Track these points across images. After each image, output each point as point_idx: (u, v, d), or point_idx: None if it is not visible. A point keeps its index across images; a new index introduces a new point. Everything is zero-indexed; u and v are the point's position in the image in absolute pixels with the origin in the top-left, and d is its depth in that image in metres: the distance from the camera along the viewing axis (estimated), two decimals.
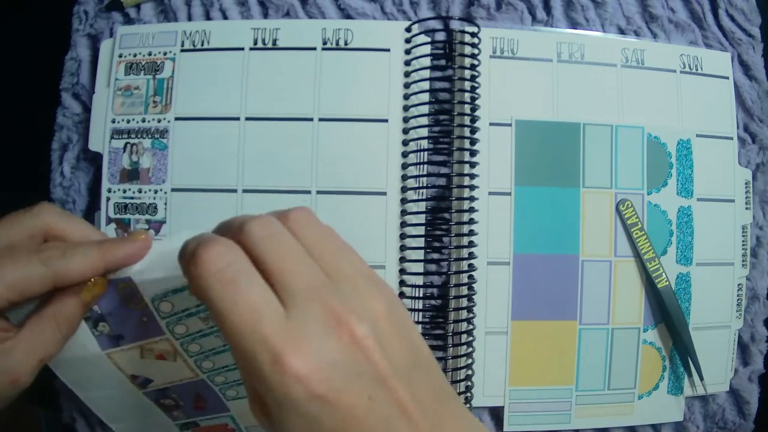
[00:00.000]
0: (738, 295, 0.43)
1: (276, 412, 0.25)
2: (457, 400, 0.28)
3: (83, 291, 0.31)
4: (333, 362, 0.24)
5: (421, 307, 0.40)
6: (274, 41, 0.41)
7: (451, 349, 0.40)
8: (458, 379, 0.39)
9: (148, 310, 0.33)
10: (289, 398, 0.24)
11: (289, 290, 0.25)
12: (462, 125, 0.40)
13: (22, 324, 0.31)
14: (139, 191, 0.40)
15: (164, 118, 0.40)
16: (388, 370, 0.25)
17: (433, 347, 0.40)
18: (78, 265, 0.30)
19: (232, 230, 0.26)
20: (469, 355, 0.39)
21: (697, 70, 0.43)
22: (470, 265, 0.40)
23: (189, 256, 0.25)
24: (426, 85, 0.40)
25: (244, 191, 0.40)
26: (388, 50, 0.41)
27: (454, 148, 0.40)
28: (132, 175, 0.41)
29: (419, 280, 0.40)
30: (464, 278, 0.40)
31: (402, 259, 0.40)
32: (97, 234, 0.32)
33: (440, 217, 0.40)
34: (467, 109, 0.40)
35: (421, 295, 0.40)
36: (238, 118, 0.40)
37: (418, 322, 0.40)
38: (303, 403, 0.24)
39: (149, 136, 0.41)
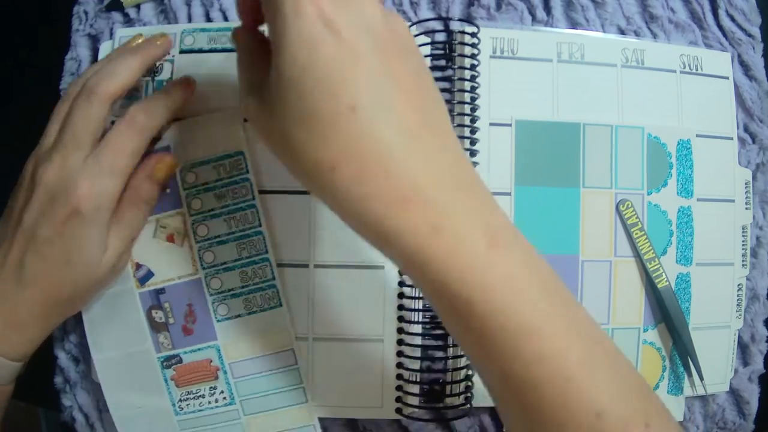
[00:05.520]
0: (738, 295, 0.43)
1: (277, 48, 0.25)
2: (455, 139, 0.28)
3: (156, 172, 0.37)
4: (349, 4, 0.25)
5: (421, 307, 0.40)
6: None
7: (451, 349, 0.40)
8: (458, 379, 0.39)
9: (173, 181, 0.39)
10: (299, 14, 0.24)
11: None
12: (462, 125, 0.40)
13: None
14: None
15: None
16: (397, 48, 0.26)
17: (433, 347, 0.40)
18: (165, 117, 0.37)
19: None
20: None
21: (697, 70, 0.43)
22: None
23: None
24: None
25: None
26: None
27: None
28: None
29: None
30: None
31: None
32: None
33: None
34: (467, 109, 0.40)
35: (421, 295, 0.40)
36: None
37: (418, 322, 0.40)
38: (311, 20, 0.24)
39: None
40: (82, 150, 0.34)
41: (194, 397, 0.40)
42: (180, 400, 0.40)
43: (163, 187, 0.39)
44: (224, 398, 0.40)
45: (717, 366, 0.42)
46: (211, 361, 0.40)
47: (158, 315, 0.39)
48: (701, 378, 0.41)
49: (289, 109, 0.25)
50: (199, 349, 0.40)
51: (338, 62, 0.24)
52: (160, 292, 0.39)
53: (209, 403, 0.40)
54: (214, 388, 0.40)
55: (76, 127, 0.34)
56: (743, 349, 0.44)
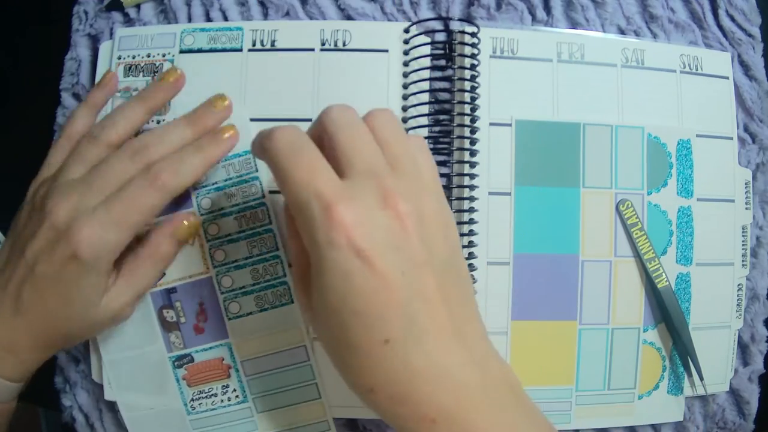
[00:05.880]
0: (738, 295, 0.43)
1: (316, 272, 0.27)
2: (480, 322, 0.30)
3: (178, 231, 0.37)
4: (376, 225, 0.26)
5: None
6: (273, 42, 0.41)
7: None
8: None
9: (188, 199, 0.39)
10: (332, 244, 0.26)
11: (349, 164, 0.27)
12: (462, 125, 0.40)
13: (119, 265, 0.36)
14: None
15: (163, 120, 0.40)
16: (424, 257, 0.27)
17: None
18: (191, 178, 0.35)
19: (320, 115, 0.30)
20: None
21: (697, 70, 0.43)
22: (470, 266, 0.40)
23: (266, 133, 0.29)
24: (425, 85, 0.40)
25: None
26: (386, 51, 0.41)
27: (454, 148, 0.40)
28: None
29: None
30: None
31: None
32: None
33: None
34: (467, 109, 0.40)
35: None
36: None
37: None
38: (343, 252, 0.26)
39: None
40: (103, 195, 0.33)
41: (206, 396, 0.40)
42: (192, 400, 0.40)
43: (182, 245, 0.39)
44: (237, 396, 0.40)
45: (717, 366, 0.42)
46: (222, 360, 0.40)
47: (169, 314, 0.39)
48: (701, 378, 0.41)
49: (331, 334, 0.28)
50: (210, 348, 0.40)
51: (372, 295, 0.26)
52: (171, 291, 0.39)
53: (222, 401, 0.40)
54: (227, 386, 0.40)
55: (109, 175, 0.34)
56: (743, 349, 0.44)
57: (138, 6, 0.43)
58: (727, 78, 0.44)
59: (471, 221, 0.40)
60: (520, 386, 0.30)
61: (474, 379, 0.27)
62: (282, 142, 0.28)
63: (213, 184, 0.40)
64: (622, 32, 0.44)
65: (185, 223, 0.38)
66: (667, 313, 0.41)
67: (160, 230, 0.37)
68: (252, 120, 0.40)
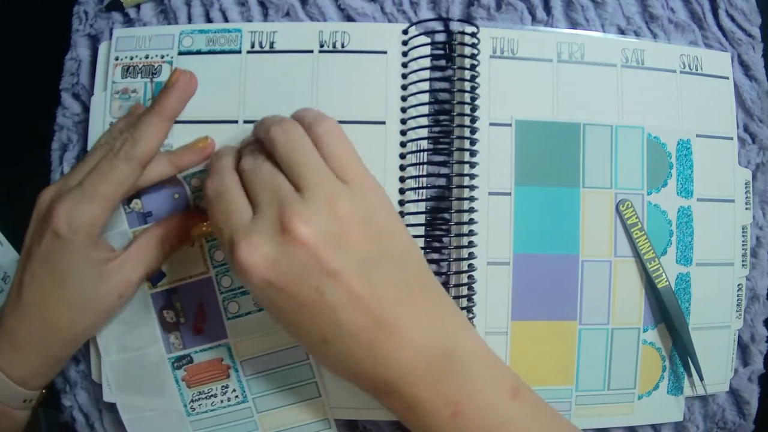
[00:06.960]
0: (738, 295, 0.43)
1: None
2: (434, 296, 0.32)
3: (194, 228, 0.38)
4: (277, 255, 0.28)
5: None
6: (271, 44, 0.41)
7: None
8: None
9: (180, 187, 0.40)
10: (248, 283, 0.29)
11: (256, 199, 0.30)
12: (462, 125, 0.40)
13: (127, 245, 0.37)
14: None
15: None
16: (338, 264, 0.29)
17: None
18: (151, 140, 0.36)
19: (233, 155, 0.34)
20: None
21: (697, 70, 0.43)
22: (470, 266, 0.40)
23: (205, 178, 0.33)
24: (425, 86, 0.40)
25: None
26: (385, 53, 0.41)
27: (454, 149, 0.40)
28: None
29: None
30: (464, 278, 0.40)
31: None
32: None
33: (440, 218, 0.40)
34: (467, 109, 0.40)
35: None
36: (236, 122, 0.40)
37: None
38: (259, 286, 0.29)
39: None
40: (81, 177, 0.35)
41: (206, 397, 0.40)
42: (192, 401, 0.40)
43: (192, 242, 0.39)
44: (236, 396, 0.40)
45: (717, 366, 0.43)
46: (222, 360, 0.40)
47: (169, 315, 0.40)
48: (701, 378, 0.41)
49: (287, 333, 0.32)
50: (210, 348, 0.40)
51: (295, 313, 0.29)
52: (171, 292, 0.40)
53: (221, 402, 0.40)
54: (226, 386, 0.40)
55: (87, 163, 0.36)
56: (743, 349, 0.44)
57: (138, 6, 0.43)
58: (727, 78, 0.44)
59: (471, 221, 0.40)
60: (471, 356, 0.31)
61: (415, 359, 0.29)
62: (209, 191, 0.31)
63: None
64: (622, 32, 0.44)
65: (205, 224, 0.38)
66: (667, 313, 0.41)
67: (177, 217, 0.38)
68: (249, 122, 0.40)
